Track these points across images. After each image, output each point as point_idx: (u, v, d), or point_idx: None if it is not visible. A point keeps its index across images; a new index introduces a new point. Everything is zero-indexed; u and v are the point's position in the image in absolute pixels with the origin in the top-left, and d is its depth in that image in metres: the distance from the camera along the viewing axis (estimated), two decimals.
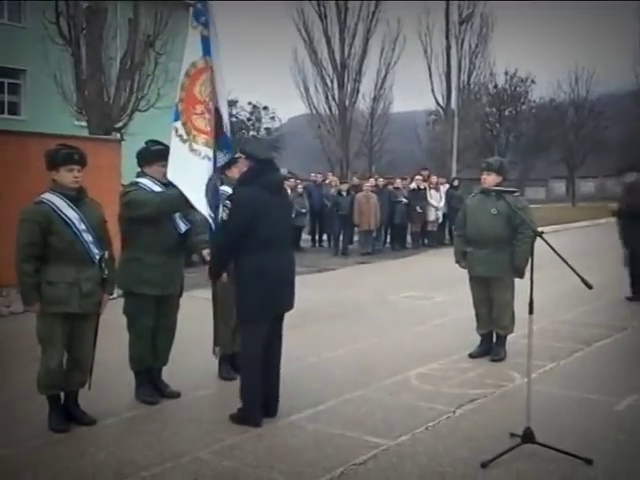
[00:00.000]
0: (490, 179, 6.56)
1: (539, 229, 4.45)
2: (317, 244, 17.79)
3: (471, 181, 21.23)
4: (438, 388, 5.75)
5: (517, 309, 6.41)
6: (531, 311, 4.33)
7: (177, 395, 5.46)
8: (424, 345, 7.16)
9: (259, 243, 4.84)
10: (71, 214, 4.73)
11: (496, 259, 6.45)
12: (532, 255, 4.37)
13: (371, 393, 5.60)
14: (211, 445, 4.48)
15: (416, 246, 17.41)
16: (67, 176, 4.76)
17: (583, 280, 4.15)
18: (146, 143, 5.42)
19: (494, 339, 6.71)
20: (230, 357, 6.06)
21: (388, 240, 17.58)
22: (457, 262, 6.82)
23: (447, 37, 32.42)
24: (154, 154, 5.30)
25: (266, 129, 39.67)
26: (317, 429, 4.81)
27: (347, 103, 30.69)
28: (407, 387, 5.80)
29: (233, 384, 5.81)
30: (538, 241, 4.42)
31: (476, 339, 6.75)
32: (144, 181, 5.31)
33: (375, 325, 8.29)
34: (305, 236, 17.61)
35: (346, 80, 30.59)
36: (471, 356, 6.62)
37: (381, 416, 5.07)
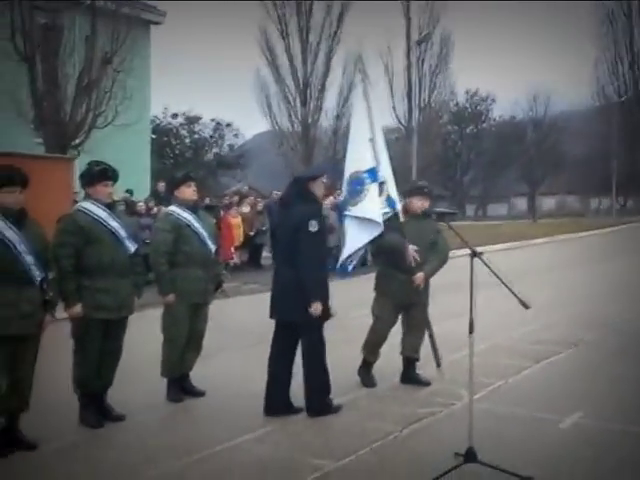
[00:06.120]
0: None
1: (478, 249, 4.48)
2: None
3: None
4: (387, 407, 5.76)
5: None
6: (471, 330, 4.37)
7: (122, 418, 5.37)
8: (377, 364, 7.13)
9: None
10: (11, 235, 4.65)
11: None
12: (472, 275, 4.40)
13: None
14: (152, 470, 4.41)
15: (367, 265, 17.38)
16: (7, 197, 4.69)
17: (520, 301, 4.20)
18: (88, 164, 5.37)
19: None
20: (179, 379, 6.01)
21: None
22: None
23: (408, 56, 32.87)
24: (97, 175, 5.26)
25: (229, 146, 39.54)
26: (262, 451, 4.78)
27: (310, 120, 30.82)
28: (356, 407, 5.79)
29: (180, 406, 5.80)
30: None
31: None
32: (86, 205, 5.27)
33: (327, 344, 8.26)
34: (266, 254, 17.56)
35: (309, 98, 30.74)
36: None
37: (327, 437, 5.06)
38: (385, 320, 6.43)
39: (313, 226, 5.37)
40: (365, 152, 6.41)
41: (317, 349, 5.55)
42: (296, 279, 5.39)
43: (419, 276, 6.15)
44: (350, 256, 6.41)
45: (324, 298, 5.47)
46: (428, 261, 6.30)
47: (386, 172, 6.44)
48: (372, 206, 6.29)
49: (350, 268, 6.46)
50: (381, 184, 6.35)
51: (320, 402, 5.53)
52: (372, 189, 6.32)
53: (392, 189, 6.42)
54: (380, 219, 6.24)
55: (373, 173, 6.35)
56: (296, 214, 5.46)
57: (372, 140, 6.39)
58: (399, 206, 6.38)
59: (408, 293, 6.26)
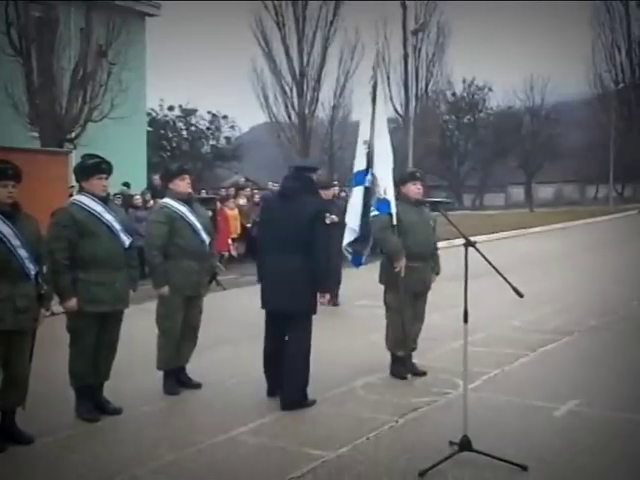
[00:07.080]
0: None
1: (475, 239, 4.49)
2: None
3: (428, 188, 21.41)
4: (383, 397, 5.77)
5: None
6: (466, 320, 4.38)
7: (119, 412, 5.37)
8: (375, 354, 7.08)
9: (262, 243, 5.72)
10: (5, 230, 4.65)
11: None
12: (466, 264, 4.40)
13: (316, 404, 5.56)
14: (149, 463, 4.42)
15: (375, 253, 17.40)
16: (1, 192, 4.69)
17: (515, 289, 4.21)
18: (82, 157, 5.36)
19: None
20: (175, 372, 6.01)
21: None
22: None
23: (404, 46, 32.80)
24: (90, 168, 5.25)
25: (226, 138, 39.45)
26: (259, 443, 4.79)
27: (306, 111, 30.79)
28: (352, 397, 5.80)
29: (177, 399, 5.81)
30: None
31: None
32: (81, 198, 5.26)
33: (326, 334, 8.28)
34: None
35: (305, 89, 30.73)
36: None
37: (324, 427, 5.07)
38: (401, 310, 6.32)
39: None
40: (359, 155, 6.42)
41: (306, 342, 5.53)
42: (302, 271, 5.35)
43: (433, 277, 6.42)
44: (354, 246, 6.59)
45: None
46: (435, 261, 6.45)
47: (385, 177, 6.34)
48: (351, 210, 6.39)
49: (363, 259, 6.69)
50: (367, 188, 6.34)
51: (296, 396, 5.49)
52: (355, 193, 6.38)
53: (390, 193, 6.32)
54: (356, 226, 6.36)
55: (360, 176, 6.35)
56: (309, 206, 5.43)
57: (367, 143, 6.38)
58: (394, 209, 6.24)
59: (413, 282, 6.25)
